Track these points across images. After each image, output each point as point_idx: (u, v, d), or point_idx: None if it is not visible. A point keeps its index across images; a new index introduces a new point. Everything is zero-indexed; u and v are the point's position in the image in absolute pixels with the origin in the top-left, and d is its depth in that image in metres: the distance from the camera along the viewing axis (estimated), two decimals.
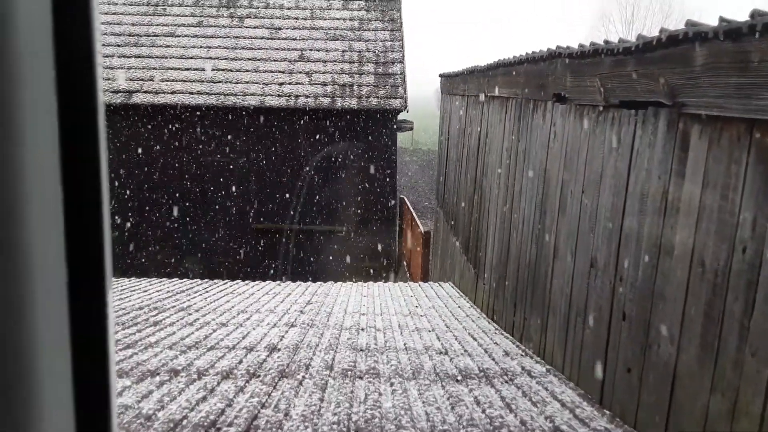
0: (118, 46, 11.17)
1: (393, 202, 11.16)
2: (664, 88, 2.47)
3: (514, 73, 5.01)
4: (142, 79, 10.66)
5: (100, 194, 0.53)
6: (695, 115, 2.27)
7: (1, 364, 0.47)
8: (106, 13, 11.66)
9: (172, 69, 10.85)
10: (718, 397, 2.02)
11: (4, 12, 0.45)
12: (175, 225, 10.77)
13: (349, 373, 3.38)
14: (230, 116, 10.57)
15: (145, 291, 6.36)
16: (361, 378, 3.29)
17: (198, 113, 10.53)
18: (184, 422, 2.48)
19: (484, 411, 2.82)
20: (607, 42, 3.07)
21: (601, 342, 3.07)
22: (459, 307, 6.04)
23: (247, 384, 3.08)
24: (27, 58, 0.47)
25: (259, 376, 3.24)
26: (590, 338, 3.23)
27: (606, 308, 3.03)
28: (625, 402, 2.75)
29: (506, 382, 3.37)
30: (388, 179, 10.93)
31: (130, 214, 10.68)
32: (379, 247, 10.92)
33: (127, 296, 5.94)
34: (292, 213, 10.72)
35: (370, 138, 10.75)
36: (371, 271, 10.67)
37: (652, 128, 2.61)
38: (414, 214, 11.94)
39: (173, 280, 7.53)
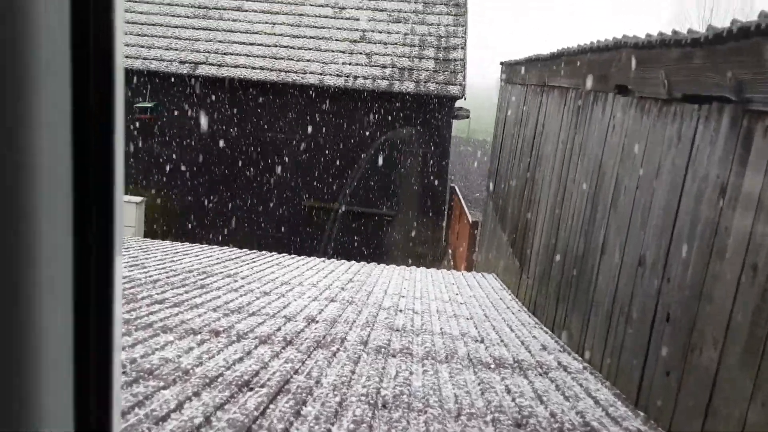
0: (187, 17, 11.46)
1: (444, 190, 11.11)
2: (730, 83, 2.36)
3: (576, 62, 4.87)
4: (208, 52, 10.92)
5: (112, 156, 0.53)
6: (762, 112, 2.16)
7: (6, 355, 0.47)
8: None
9: (237, 43, 11.06)
10: (757, 406, 1.94)
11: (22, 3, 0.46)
12: (228, 197, 11.05)
13: (383, 350, 3.41)
14: (290, 93, 10.71)
15: (196, 256, 6.58)
16: (394, 356, 3.31)
17: (259, 88, 10.73)
18: (220, 379, 2.56)
19: (514, 400, 2.79)
20: (675, 32, 2.95)
21: (642, 342, 2.99)
22: (500, 298, 5.98)
23: (282, 350, 3.15)
24: (44, 44, 0.47)
25: (295, 344, 3.31)
26: (631, 338, 3.15)
27: (650, 308, 2.94)
28: (661, 405, 2.68)
29: (540, 374, 3.33)
30: (440, 167, 10.88)
31: (186, 182, 11.03)
32: (426, 234, 10.90)
33: (179, 259, 6.16)
34: (343, 193, 10.82)
35: (425, 124, 10.70)
36: (415, 256, 10.68)
37: (715, 124, 2.50)
38: (463, 204, 11.86)
39: (223, 248, 7.75)
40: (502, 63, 9.51)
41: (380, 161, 10.75)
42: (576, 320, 4.13)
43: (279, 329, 3.60)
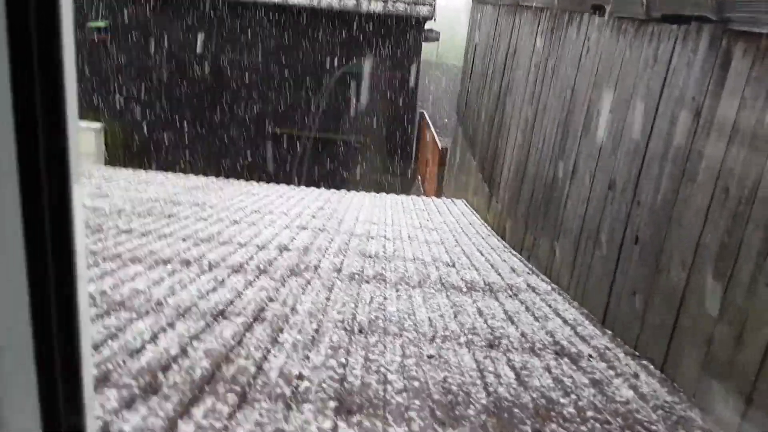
0: None
1: (413, 115, 10.96)
2: (711, 2, 2.30)
3: None
4: None
5: (62, 77, 0.46)
6: (742, 32, 2.13)
7: None
8: None
9: None
10: (724, 326, 2.02)
11: None
12: (192, 123, 10.72)
13: (357, 276, 3.43)
14: (255, 14, 10.22)
15: (161, 184, 6.42)
16: (367, 282, 3.34)
17: (222, 7, 10.19)
18: (194, 309, 2.54)
19: (486, 321, 2.86)
20: None
21: (609, 264, 3.06)
22: (470, 224, 6.05)
23: (256, 279, 3.13)
24: None
25: (268, 272, 3.30)
26: (599, 260, 3.22)
27: (619, 231, 2.99)
28: (627, 324, 2.78)
29: (510, 296, 3.41)
30: (409, 91, 10.68)
31: (146, 108, 10.62)
32: (395, 160, 10.85)
33: (144, 188, 6.00)
34: (311, 120, 10.59)
35: (394, 46, 10.40)
36: (385, 183, 10.66)
37: (693, 45, 2.46)
38: (433, 130, 11.76)
39: (189, 176, 7.58)
40: None
41: (348, 86, 10.48)
42: (545, 243, 4.21)
43: (251, 258, 3.57)
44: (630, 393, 2.17)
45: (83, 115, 10.42)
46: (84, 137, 10.05)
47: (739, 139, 2.07)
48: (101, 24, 10.12)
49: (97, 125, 10.34)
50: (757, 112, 1.98)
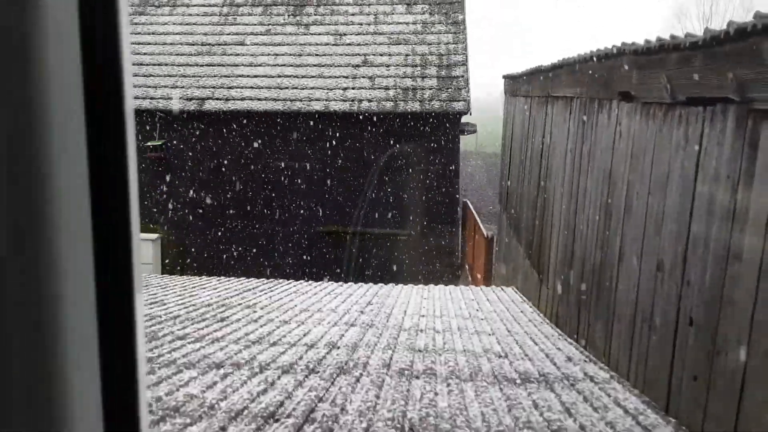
0: (191, 55, 11.68)
1: (456, 206, 11.11)
2: (732, 84, 2.37)
3: (578, 71, 4.90)
4: (213, 87, 11.10)
5: (128, 197, 0.55)
6: (766, 110, 2.17)
7: (32, 364, 0.49)
8: (180, 24, 12.22)
9: (242, 76, 11.24)
10: None
11: (33, 16, 0.48)
12: (242, 228, 11.13)
13: (406, 372, 3.40)
14: (297, 121, 10.84)
15: (215, 289, 6.62)
16: (417, 377, 3.30)
17: (266, 119, 10.87)
18: (245, 412, 2.57)
19: (542, 414, 2.77)
20: (673, 37, 2.96)
21: (667, 348, 2.96)
22: (521, 311, 5.95)
23: (306, 379, 3.15)
24: (55, 63, 0.49)
25: (317, 371, 3.31)
26: (656, 344, 3.12)
27: (672, 313, 2.92)
28: (691, 410, 2.64)
29: (567, 387, 3.30)
30: (451, 183, 10.89)
31: (199, 216, 11.14)
32: (442, 251, 10.89)
33: (197, 293, 6.20)
34: (355, 216, 10.87)
35: (433, 141, 10.75)
36: (433, 274, 10.66)
37: (720, 125, 2.50)
38: (477, 218, 11.84)
39: (241, 279, 7.79)
40: (504, 76, 9.57)
41: (390, 182, 10.79)
42: (599, 329, 4.10)
43: (301, 357, 3.61)
44: None
45: (141, 227, 11.01)
46: (142, 248, 10.57)
47: None
48: (157, 143, 10.90)
49: (154, 236, 10.87)
50: None
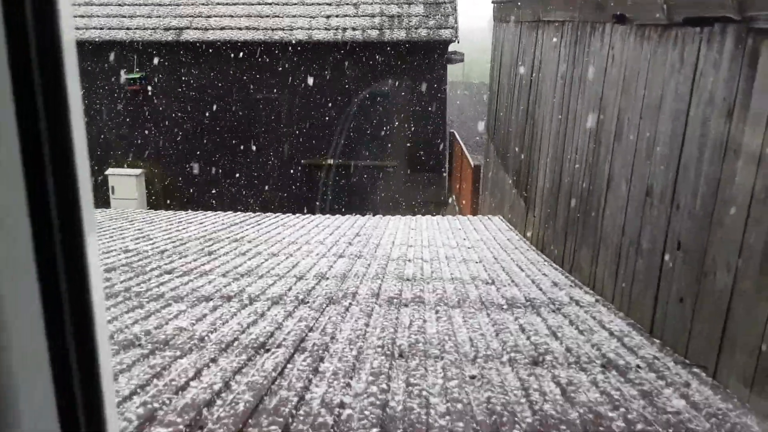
0: None
1: (443, 135, 10.99)
2: (733, 2, 2.27)
3: None
4: (191, 16, 10.65)
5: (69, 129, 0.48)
6: (766, 30, 2.08)
7: None
8: None
9: (220, 4, 10.78)
10: None
11: None
12: (225, 159, 10.98)
13: (395, 300, 3.43)
14: (279, 51, 10.49)
15: (201, 223, 6.58)
16: (406, 305, 3.33)
17: (246, 49, 10.50)
18: (235, 343, 2.58)
19: (528, 338, 2.81)
20: None
21: (653, 271, 2.98)
22: (508, 239, 5.99)
23: (295, 309, 3.17)
24: None
25: (307, 302, 3.33)
26: (642, 268, 3.15)
27: (660, 238, 2.92)
28: (676, 332, 2.70)
29: (553, 311, 3.35)
30: (438, 113, 10.72)
31: (182, 150, 10.94)
32: (429, 182, 10.86)
33: (184, 228, 6.16)
34: (339, 148, 10.73)
35: (419, 71, 10.50)
36: (420, 205, 10.67)
37: (718, 46, 2.42)
38: (464, 149, 11.76)
39: (227, 213, 7.74)
40: (493, 1, 9.24)
41: (376, 113, 10.60)
42: (585, 254, 4.13)
43: (290, 289, 3.61)
44: (681, 403, 2.10)
45: (124, 163, 10.81)
46: (126, 183, 10.41)
47: None
48: (136, 75, 10.53)
49: (138, 171, 10.70)
50: None
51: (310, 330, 2.81)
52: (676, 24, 2.84)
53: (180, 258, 4.52)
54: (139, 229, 5.99)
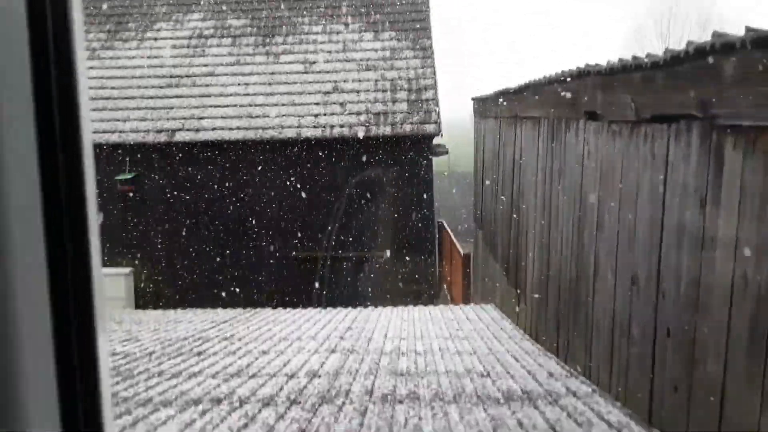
0: (161, 87, 11.62)
1: (431, 226, 11.15)
2: (695, 101, 2.44)
3: (544, 93, 5.00)
4: (184, 118, 11.04)
5: (86, 230, 0.53)
6: (728, 126, 2.24)
7: None
8: (148, 57, 12.17)
9: (212, 107, 11.21)
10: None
11: None
12: (217, 257, 11.00)
13: (389, 397, 3.37)
14: (269, 149, 10.81)
15: (190, 322, 6.51)
16: (401, 402, 3.28)
17: (237, 148, 10.82)
18: None
19: None
20: (635, 57, 3.05)
21: (646, 360, 2.99)
22: (501, 329, 5.96)
23: (287, 411, 3.10)
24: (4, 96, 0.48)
25: (299, 402, 3.26)
26: (636, 356, 3.15)
27: (650, 325, 2.95)
28: (673, 421, 2.67)
29: (550, 403, 3.30)
30: (425, 204, 10.94)
31: (174, 247, 10.98)
32: (419, 272, 10.89)
33: (173, 328, 6.09)
34: (330, 241, 10.83)
35: (406, 164, 10.82)
36: (411, 295, 10.64)
37: (685, 141, 2.58)
38: (453, 238, 11.90)
39: (217, 310, 7.68)
40: (473, 98, 9.72)
41: (365, 205, 10.80)
42: (579, 344, 4.12)
43: (281, 388, 3.55)
44: None
45: (113, 262, 10.79)
46: (114, 283, 10.34)
47: (746, 222, 2.11)
48: (128, 176, 10.75)
49: (126, 270, 10.66)
50: (757, 198, 2.04)
51: None
52: (645, 120, 3.02)
53: (169, 359, 4.45)
54: (126, 330, 5.91)
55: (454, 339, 5.36)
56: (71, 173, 0.54)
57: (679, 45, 2.53)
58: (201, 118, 11.01)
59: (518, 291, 6.15)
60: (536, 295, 5.36)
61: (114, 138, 10.73)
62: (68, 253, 0.53)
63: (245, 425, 2.85)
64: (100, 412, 0.55)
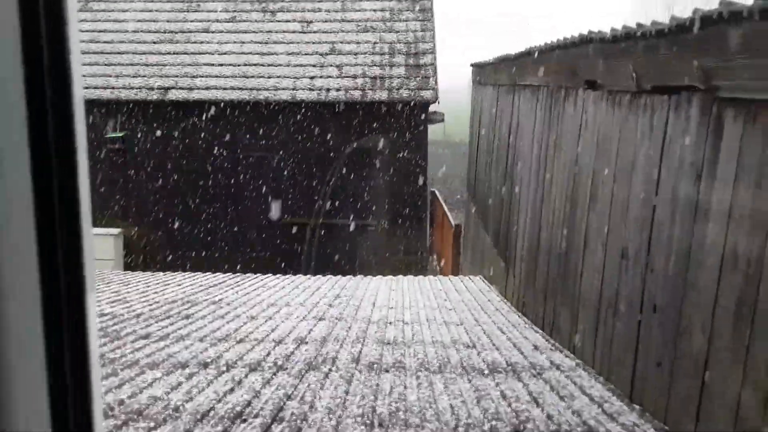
0: (154, 43, 11.36)
1: (424, 195, 11.10)
2: (697, 72, 2.37)
3: (545, 60, 4.90)
4: (177, 75, 10.83)
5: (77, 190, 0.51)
6: (730, 98, 2.18)
7: None
8: (141, 11, 11.87)
9: (206, 65, 10.99)
10: (749, 390, 1.94)
11: None
12: (207, 220, 10.94)
13: (375, 366, 3.37)
14: (263, 111, 10.65)
15: (179, 285, 6.48)
16: (387, 371, 3.27)
17: (231, 108, 10.65)
18: (211, 413, 2.51)
19: (510, 405, 2.77)
20: (639, 25, 2.96)
21: (631, 335, 2.98)
22: (489, 300, 5.97)
23: (274, 376, 3.09)
24: None
25: (286, 368, 3.26)
26: (621, 331, 3.15)
27: (637, 300, 2.94)
28: (655, 397, 2.67)
29: (534, 376, 3.31)
30: (419, 172, 10.86)
31: (164, 209, 10.90)
32: (410, 241, 10.88)
33: (162, 290, 6.06)
34: (321, 207, 10.77)
35: (401, 130, 10.70)
36: (401, 265, 10.65)
37: (685, 113, 2.51)
38: (445, 208, 11.87)
39: (206, 274, 7.66)
40: (472, 65, 9.57)
41: (357, 172, 10.71)
42: (565, 317, 4.13)
43: (268, 354, 3.54)
44: None
45: (102, 221, 10.71)
46: (102, 244, 10.27)
47: (740, 195, 2.07)
48: (118, 134, 10.59)
49: (115, 231, 10.58)
50: (753, 173, 2.00)
51: (289, 398, 2.74)
52: (645, 91, 2.95)
53: (156, 322, 4.43)
54: (115, 292, 5.88)
55: (442, 309, 5.36)
56: (60, 128, 0.51)
57: (684, 13, 2.45)
58: (194, 77, 10.81)
59: (507, 263, 6.14)
60: (525, 268, 5.35)
61: (106, 94, 10.53)
62: (59, 242, 0.51)
63: (231, 389, 2.84)
64: (91, 413, 0.53)
